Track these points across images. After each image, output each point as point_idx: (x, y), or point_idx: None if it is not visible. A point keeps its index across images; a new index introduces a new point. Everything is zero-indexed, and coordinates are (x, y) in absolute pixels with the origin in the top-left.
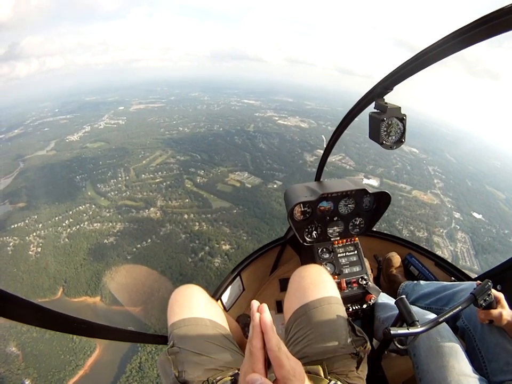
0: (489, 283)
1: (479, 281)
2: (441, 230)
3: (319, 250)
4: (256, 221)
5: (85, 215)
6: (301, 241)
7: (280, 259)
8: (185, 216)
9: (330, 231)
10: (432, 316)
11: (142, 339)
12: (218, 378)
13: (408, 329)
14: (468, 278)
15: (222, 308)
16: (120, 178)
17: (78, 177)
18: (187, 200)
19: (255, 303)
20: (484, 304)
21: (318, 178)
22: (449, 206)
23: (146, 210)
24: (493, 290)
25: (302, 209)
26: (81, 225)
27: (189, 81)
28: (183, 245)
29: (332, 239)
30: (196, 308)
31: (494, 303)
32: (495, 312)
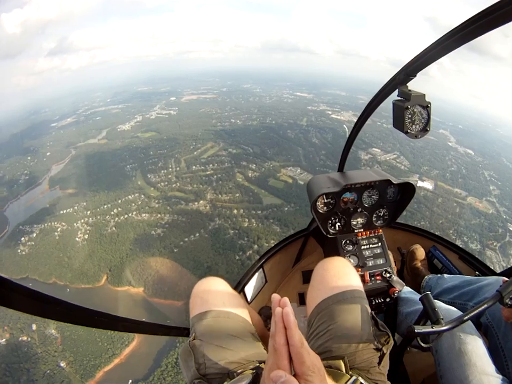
0: None
1: (505, 278)
2: (494, 243)
3: (343, 242)
4: (308, 220)
5: (133, 204)
6: (324, 233)
7: (303, 251)
8: (235, 211)
9: (354, 222)
10: (456, 311)
11: (163, 331)
12: (239, 371)
13: (432, 327)
14: (493, 273)
15: (245, 300)
16: (170, 169)
17: (128, 166)
18: (237, 195)
19: (276, 297)
20: (509, 302)
21: (340, 169)
22: (505, 216)
23: (196, 203)
24: None
25: (325, 200)
26: (130, 214)
27: (240, 72)
28: (231, 241)
29: (355, 231)
30: (218, 300)
31: None
32: None
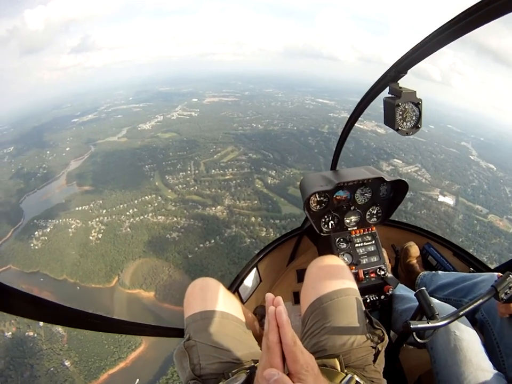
0: (511, 275)
1: (500, 273)
2: None
3: (336, 240)
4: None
5: (150, 205)
6: (318, 232)
7: (297, 250)
8: (252, 219)
9: (347, 220)
10: (451, 307)
11: (157, 333)
12: (234, 371)
13: (428, 322)
14: (487, 269)
15: (239, 300)
16: (189, 172)
17: (146, 166)
18: (256, 202)
19: (269, 296)
20: (504, 297)
21: (333, 167)
22: None
23: (213, 208)
24: None
25: (318, 199)
26: (145, 216)
27: (262, 76)
28: (247, 250)
29: (349, 229)
30: (213, 301)
31: None
32: None
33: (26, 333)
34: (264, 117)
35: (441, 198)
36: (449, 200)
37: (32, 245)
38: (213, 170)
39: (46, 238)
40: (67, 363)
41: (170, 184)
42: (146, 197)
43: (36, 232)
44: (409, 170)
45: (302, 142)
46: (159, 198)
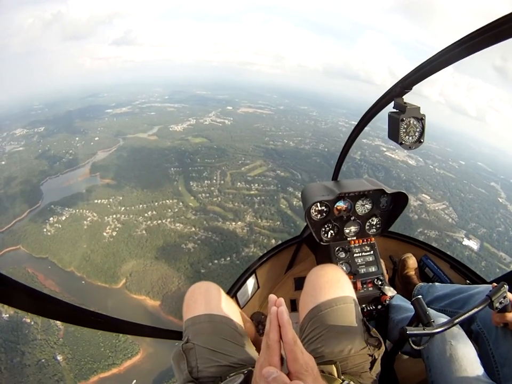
0: (505, 285)
1: (494, 284)
2: None
3: (335, 250)
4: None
5: (169, 210)
6: (318, 240)
7: (295, 258)
8: (273, 241)
9: (347, 230)
10: (447, 317)
11: (156, 334)
12: (231, 375)
13: (424, 329)
14: (484, 281)
15: (237, 305)
16: (214, 181)
17: (172, 169)
18: (278, 223)
19: (272, 297)
20: (499, 306)
21: (335, 177)
22: None
23: (233, 223)
24: (509, 293)
25: (319, 208)
26: (163, 221)
27: (298, 92)
28: None
29: (348, 239)
30: (213, 305)
31: (509, 306)
32: (509, 315)
33: (24, 319)
34: (296, 134)
35: (466, 242)
36: (473, 244)
37: (45, 230)
38: (239, 183)
39: (60, 226)
40: (59, 358)
41: (194, 191)
42: (167, 201)
43: (51, 218)
44: (436, 208)
45: (332, 166)
46: (180, 204)
